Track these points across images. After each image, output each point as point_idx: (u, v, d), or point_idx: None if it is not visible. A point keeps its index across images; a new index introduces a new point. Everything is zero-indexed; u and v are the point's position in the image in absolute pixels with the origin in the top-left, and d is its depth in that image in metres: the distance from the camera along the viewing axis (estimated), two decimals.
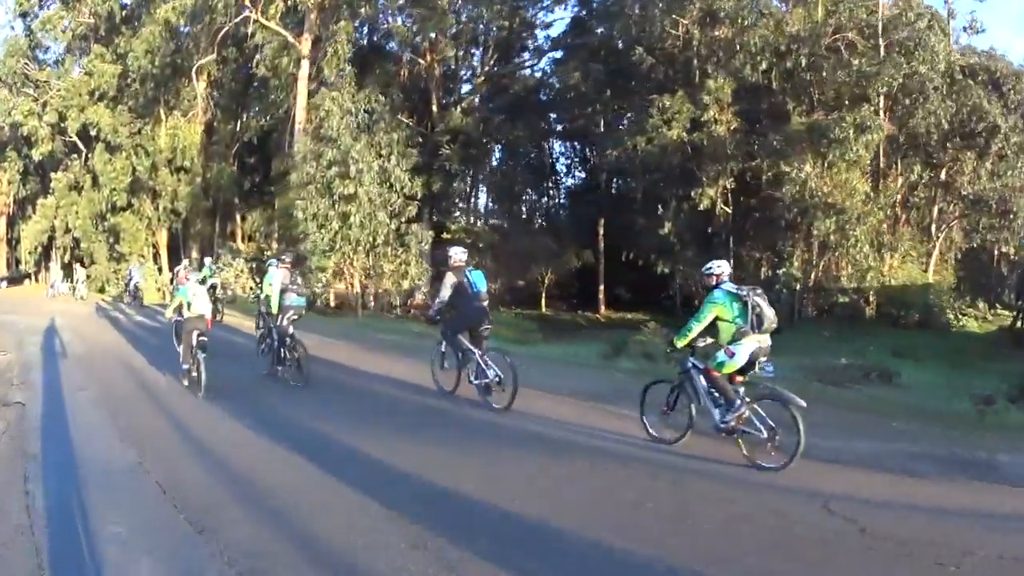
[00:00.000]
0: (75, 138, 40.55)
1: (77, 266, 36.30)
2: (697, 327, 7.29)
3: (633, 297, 39.21)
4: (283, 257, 12.46)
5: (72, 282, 35.34)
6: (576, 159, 47.53)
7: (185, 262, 25.97)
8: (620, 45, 34.83)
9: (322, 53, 31.38)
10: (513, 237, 37.61)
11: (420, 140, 32.81)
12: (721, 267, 7.42)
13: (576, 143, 45.92)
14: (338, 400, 10.73)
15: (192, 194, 35.28)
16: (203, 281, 19.01)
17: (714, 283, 7.34)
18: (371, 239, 25.68)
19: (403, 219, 26.33)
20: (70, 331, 19.69)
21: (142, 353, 15.68)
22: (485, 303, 9.99)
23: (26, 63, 41.82)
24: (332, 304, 29.68)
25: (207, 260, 24.13)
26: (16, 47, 41.35)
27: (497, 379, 9.39)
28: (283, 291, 11.41)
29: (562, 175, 47.72)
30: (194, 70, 34.88)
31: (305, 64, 32.05)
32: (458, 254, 9.98)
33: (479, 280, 9.90)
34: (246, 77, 38.61)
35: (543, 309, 39.09)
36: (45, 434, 8.87)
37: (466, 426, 9.09)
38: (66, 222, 39.84)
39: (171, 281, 30.81)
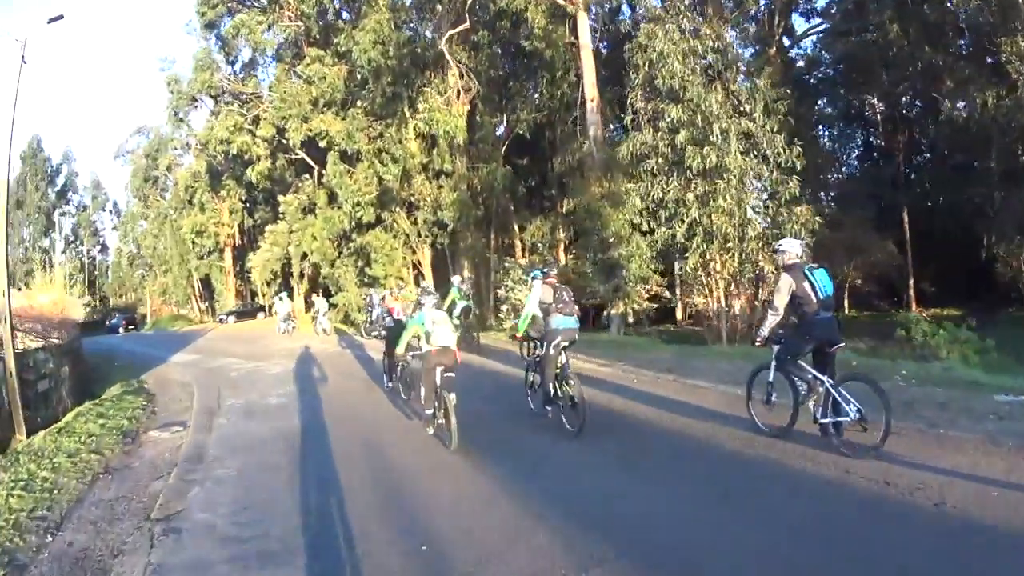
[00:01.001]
0: (301, 153, 37.06)
1: (316, 296, 32.06)
2: None
3: (939, 291, 34.14)
4: (546, 269, 9.98)
5: (313, 313, 31.13)
6: (853, 144, 43.12)
7: (424, 284, 20.92)
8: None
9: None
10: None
11: None
12: None
13: (844, 128, 41.55)
14: (627, 451, 7.89)
15: (459, 201, 29.74)
16: (451, 306, 16.64)
17: None
18: (740, 231, 18.58)
19: (780, 202, 19.02)
20: (297, 380, 15.30)
21: (392, 402, 11.91)
22: (832, 312, 7.44)
23: (225, 78, 39.20)
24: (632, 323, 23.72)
25: (455, 280, 19.71)
26: (207, 61, 38.52)
27: (858, 415, 6.82)
28: (547, 312, 9.19)
29: (841, 162, 42.80)
30: (443, 41, 29.41)
31: (585, 26, 25.89)
32: (794, 248, 7.58)
33: (825, 281, 7.35)
34: (507, 68, 33.26)
35: (846, 310, 32.89)
36: None
37: (818, 487, 6.05)
38: (302, 248, 36.14)
39: (368, 308, 26.13)
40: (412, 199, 31.16)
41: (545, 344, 9.12)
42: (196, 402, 12.96)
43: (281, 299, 31.40)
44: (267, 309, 42.01)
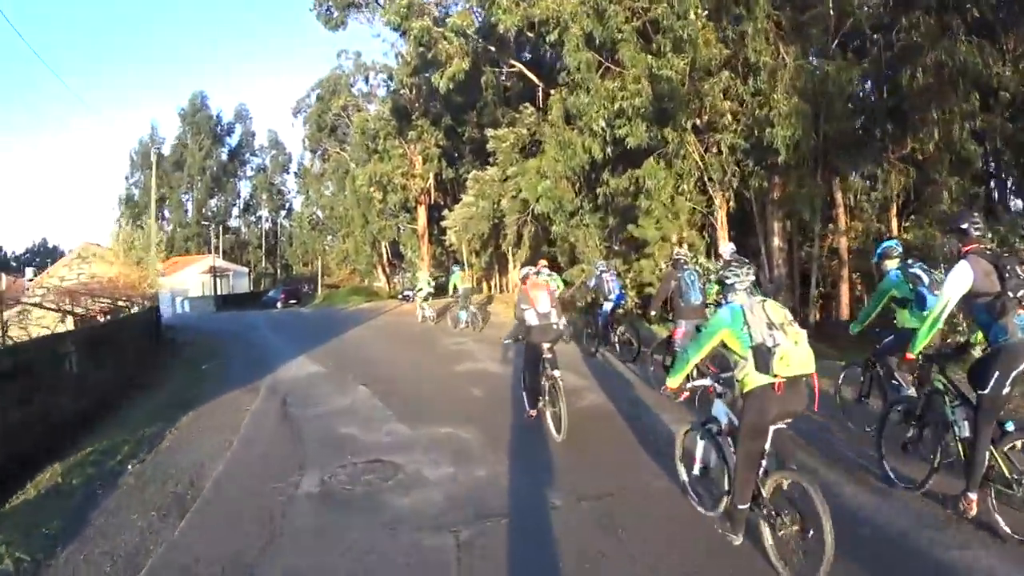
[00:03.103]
0: (518, 65, 26.79)
1: (542, 267, 21.05)
2: None
3: None
4: (964, 224, 5.37)
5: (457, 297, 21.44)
6: None
7: (681, 252, 11.92)
8: None
9: None
10: None
11: None
12: None
13: None
14: None
15: (799, 114, 17.41)
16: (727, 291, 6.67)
17: None
18: None
19: None
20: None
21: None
22: None
23: None
24: None
25: (727, 247, 12.38)
26: None
27: None
28: (999, 309, 5.07)
29: None
30: None
31: None
32: None
33: None
34: None
35: None
36: None
37: None
38: (523, 195, 25.58)
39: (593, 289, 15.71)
40: (702, 117, 19.37)
41: (986, 378, 5.03)
42: None
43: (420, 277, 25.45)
44: (413, 293, 30.70)
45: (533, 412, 8.79)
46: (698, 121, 19.52)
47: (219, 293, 59.83)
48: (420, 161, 39.51)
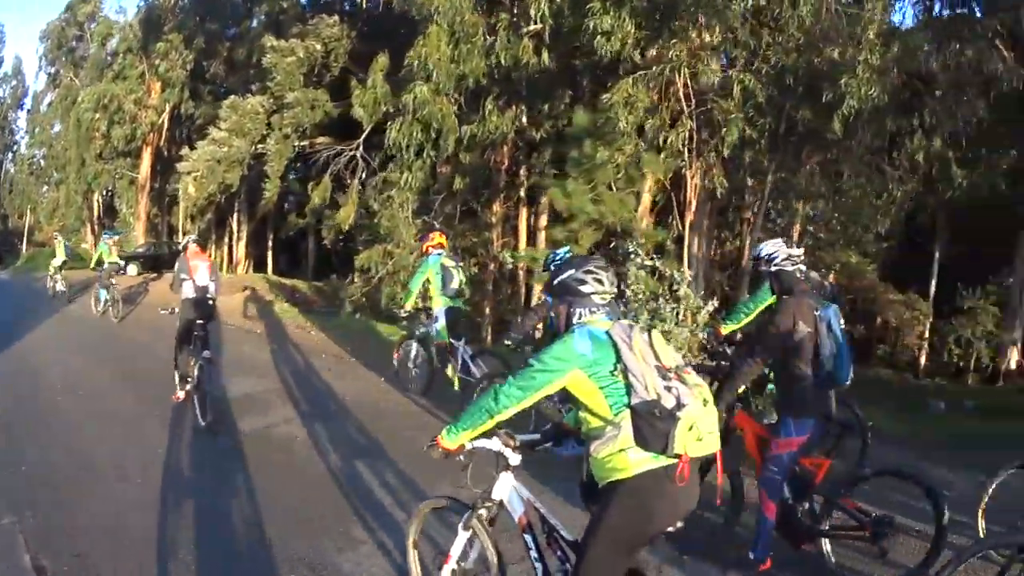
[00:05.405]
0: None
1: (434, 248, 10.45)
2: None
3: None
4: None
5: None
6: None
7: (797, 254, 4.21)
8: None
9: None
10: None
11: None
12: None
13: None
14: None
15: (881, 75, 10.73)
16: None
17: None
18: None
19: None
20: None
21: None
22: None
23: None
24: None
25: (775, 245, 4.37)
26: None
27: None
28: None
29: None
30: None
31: None
32: None
33: None
34: None
35: None
36: None
37: None
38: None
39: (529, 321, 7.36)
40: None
41: None
42: None
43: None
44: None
45: (180, 395, 7.27)
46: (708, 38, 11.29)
47: None
48: (159, 88, 27.70)
